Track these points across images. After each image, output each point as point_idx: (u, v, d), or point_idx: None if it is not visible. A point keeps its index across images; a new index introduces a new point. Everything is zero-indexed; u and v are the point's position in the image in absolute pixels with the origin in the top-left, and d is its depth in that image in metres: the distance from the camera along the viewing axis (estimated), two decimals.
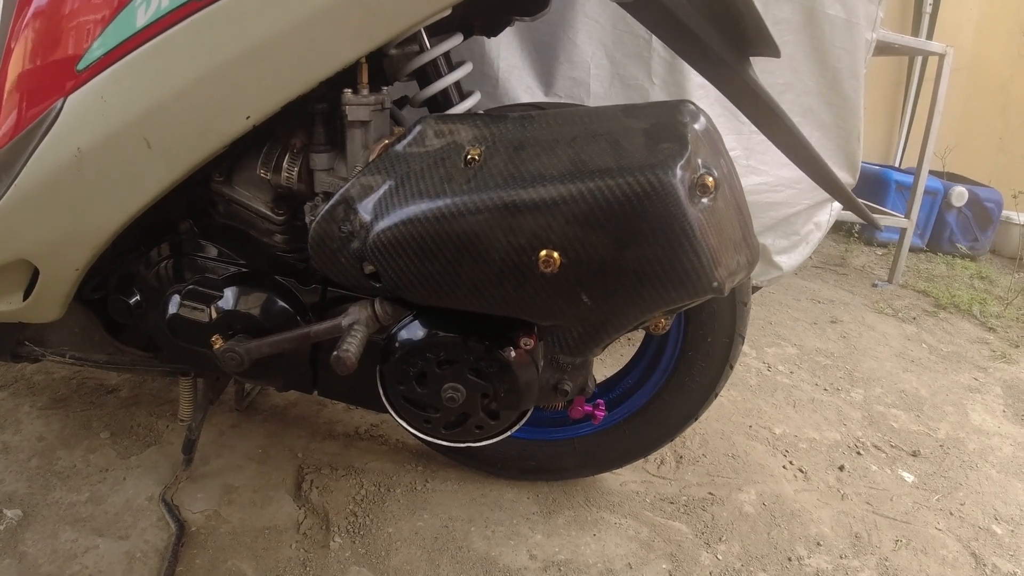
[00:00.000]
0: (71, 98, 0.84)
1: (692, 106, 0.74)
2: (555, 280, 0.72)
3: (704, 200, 0.68)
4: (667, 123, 0.71)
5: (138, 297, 1.03)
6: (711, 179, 0.68)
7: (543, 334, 0.84)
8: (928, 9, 3.73)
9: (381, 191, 0.77)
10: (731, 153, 1.66)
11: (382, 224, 0.75)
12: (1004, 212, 3.49)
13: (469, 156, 0.75)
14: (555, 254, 0.70)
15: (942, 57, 2.63)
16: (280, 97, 0.78)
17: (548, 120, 0.77)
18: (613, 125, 0.73)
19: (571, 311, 0.75)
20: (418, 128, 0.81)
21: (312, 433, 1.37)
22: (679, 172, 0.66)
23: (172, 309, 0.96)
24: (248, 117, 0.79)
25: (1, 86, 0.93)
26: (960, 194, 3.36)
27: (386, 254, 0.76)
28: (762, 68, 1.63)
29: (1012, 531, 1.34)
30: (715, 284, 0.70)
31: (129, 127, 0.82)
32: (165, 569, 1.01)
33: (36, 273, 0.95)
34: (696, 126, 0.71)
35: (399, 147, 0.80)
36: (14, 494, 1.14)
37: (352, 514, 1.17)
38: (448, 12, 0.81)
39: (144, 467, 1.23)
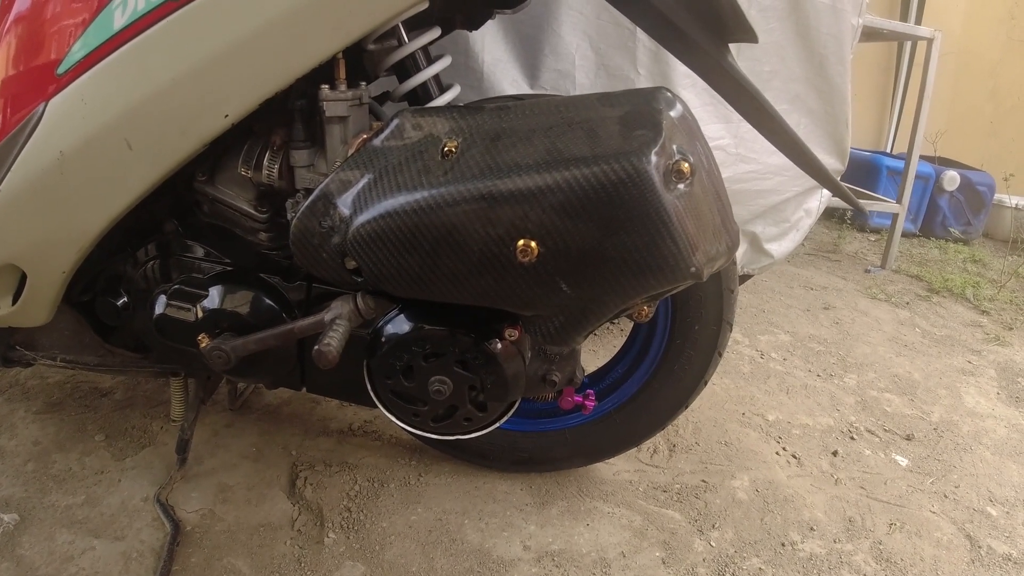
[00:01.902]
0: (52, 102, 0.85)
1: (668, 93, 0.75)
2: (534, 269, 0.72)
3: (680, 186, 0.69)
4: (642, 110, 0.71)
5: (125, 298, 1.03)
6: (687, 165, 0.68)
7: (525, 324, 0.84)
8: None
9: (360, 185, 0.77)
10: (720, 141, 1.67)
11: (361, 218, 0.75)
12: (996, 195, 3.49)
13: (446, 148, 0.75)
14: (533, 243, 0.70)
15: (930, 42, 2.63)
16: (258, 94, 0.78)
17: (525, 110, 0.77)
18: (589, 113, 0.74)
19: (551, 300, 0.76)
20: (396, 122, 0.81)
21: (305, 430, 1.38)
22: (653, 158, 0.66)
23: (159, 309, 0.97)
24: (227, 115, 0.79)
25: None
26: (952, 178, 3.36)
27: (366, 248, 0.76)
28: (749, 56, 1.65)
29: (1007, 513, 1.35)
30: (693, 270, 0.70)
31: (110, 129, 0.82)
32: (161, 568, 1.01)
33: (24, 277, 0.96)
34: (671, 112, 0.71)
35: (377, 141, 0.81)
36: (10, 498, 1.14)
37: (346, 510, 1.17)
38: (426, 6, 0.81)
39: (139, 468, 1.23)
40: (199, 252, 1.01)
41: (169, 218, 1.01)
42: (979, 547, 1.24)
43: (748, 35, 0.86)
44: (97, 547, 1.06)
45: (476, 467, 1.30)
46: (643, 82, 1.55)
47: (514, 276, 0.73)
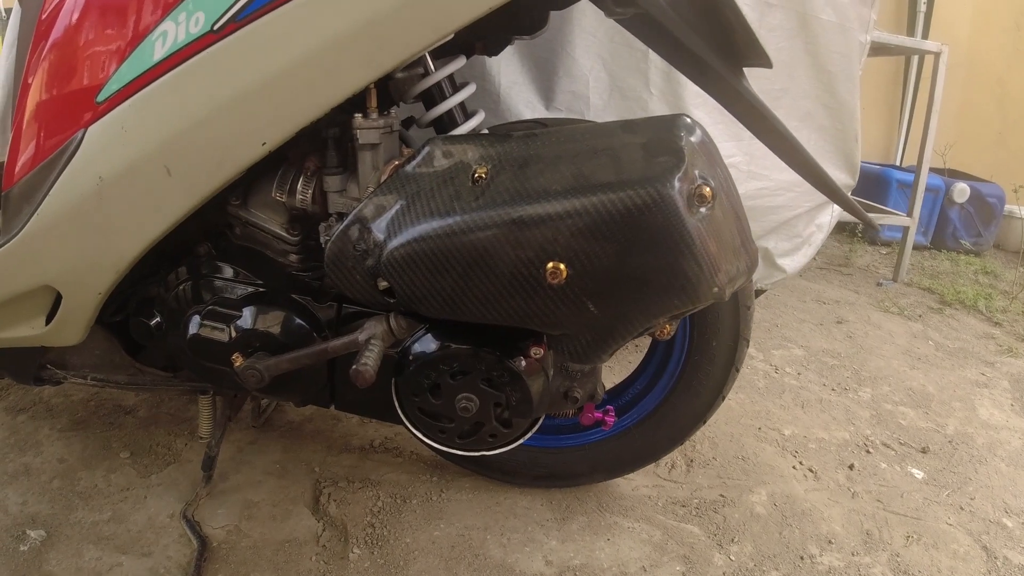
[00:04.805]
0: (91, 129, 0.88)
1: (688, 119, 0.77)
2: (562, 291, 0.75)
3: (702, 210, 0.71)
4: (664, 137, 0.74)
5: (159, 319, 1.06)
6: (708, 189, 0.71)
7: (552, 343, 0.86)
8: (923, 7, 3.74)
9: (393, 210, 0.80)
10: (732, 159, 1.70)
11: (395, 242, 0.78)
12: (1007, 207, 3.49)
13: (476, 174, 0.78)
14: (562, 266, 0.73)
15: (937, 56, 2.65)
16: (294, 124, 0.81)
17: (551, 137, 0.80)
18: (613, 141, 0.76)
19: (578, 320, 0.78)
20: (427, 149, 0.84)
21: (328, 447, 1.40)
22: (677, 184, 0.69)
23: (193, 329, 0.99)
24: (264, 144, 0.82)
25: (20, 118, 0.96)
26: (962, 190, 3.37)
27: (400, 270, 0.79)
28: (759, 74, 1.65)
29: (1023, 524, 1.35)
30: (716, 290, 0.73)
31: (149, 156, 0.85)
32: None
33: (59, 298, 0.98)
34: (692, 139, 0.74)
35: (409, 168, 0.83)
36: (37, 515, 1.16)
37: (370, 525, 1.19)
38: (451, 36, 0.84)
39: (164, 485, 1.25)
40: (231, 274, 1.04)
41: (202, 241, 1.04)
42: (995, 558, 1.25)
43: (762, 60, 0.89)
44: (124, 563, 1.08)
45: (497, 483, 1.31)
46: (656, 102, 1.58)
47: (543, 297, 0.76)
